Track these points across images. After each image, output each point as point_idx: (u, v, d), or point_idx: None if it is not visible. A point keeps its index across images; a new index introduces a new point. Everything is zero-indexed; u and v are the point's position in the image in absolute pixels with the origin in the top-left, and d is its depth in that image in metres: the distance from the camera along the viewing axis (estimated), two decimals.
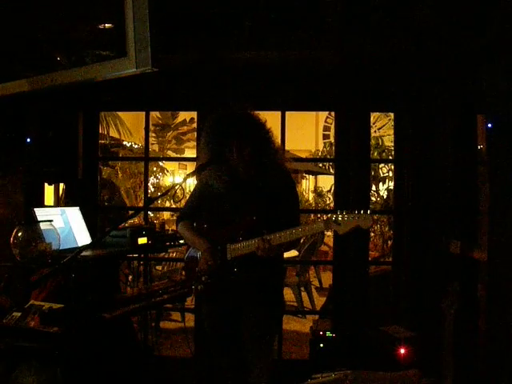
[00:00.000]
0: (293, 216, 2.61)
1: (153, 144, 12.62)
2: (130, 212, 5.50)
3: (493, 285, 2.97)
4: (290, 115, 4.01)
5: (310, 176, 12.47)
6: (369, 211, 2.17)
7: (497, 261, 2.91)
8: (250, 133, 2.53)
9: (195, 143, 4.29)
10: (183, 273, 2.88)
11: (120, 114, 9.12)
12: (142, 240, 3.28)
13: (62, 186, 4.21)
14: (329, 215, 2.23)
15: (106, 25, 3.01)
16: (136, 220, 5.56)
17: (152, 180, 10.31)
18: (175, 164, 12.17)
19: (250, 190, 2.54)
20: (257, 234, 2.41)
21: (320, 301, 6.36)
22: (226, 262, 2.50)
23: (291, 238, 2.39)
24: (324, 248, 8.56)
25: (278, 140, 2.79)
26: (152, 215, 8.42)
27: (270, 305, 2.58)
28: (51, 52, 3.00)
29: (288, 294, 6.20)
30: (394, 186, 4.23)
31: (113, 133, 9.12)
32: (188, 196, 2.79)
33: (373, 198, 7.78)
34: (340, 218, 2.18)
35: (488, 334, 3.01)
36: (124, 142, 9.57)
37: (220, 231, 2.56)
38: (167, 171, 11.14)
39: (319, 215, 9.96)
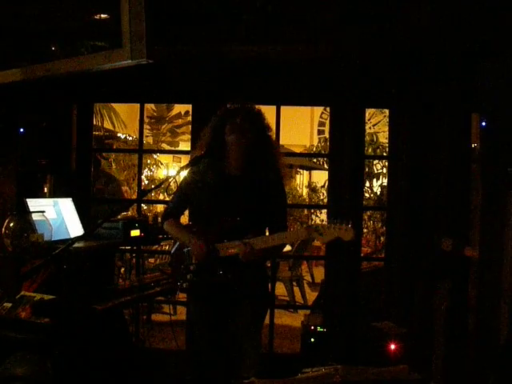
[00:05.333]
0: (280, 219, 2.62)
1: (147, 136, 12.57)
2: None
3: (483, 282, 2.99)
4: (284, 110, 4.00)
5: (304, 171, 12.46)
6: (350, 224, 2.16)
7: (488, 258, 2.93)
8: (255, 128, 2.53)
9: (190, 136, 4.28)
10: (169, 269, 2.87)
11: (114, 105, 9.09)
12: (135, 232, 3.28)
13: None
14: (312, 224, 2.23)
15: (102, 15, 2.98)
16: (129, 212, 5.54)
17: (146, 172, 10.27)
18: (169, 157, 12.12)
19: (239, 188, 2.53)
20: (240, 236, 2.40)
21: (312, 296, 6.38)
22: (213, 261, 2.47)
23: (273, 244, 2.40)
24: (317, 243, 8.57)
25: (273, 135, 2.78)
26: (145, 208, 8.40)
27: (256, 298, 2.59)
28: (46, 42, 2.97)
29: (280, 289, 6.21)
30: (388, 183, 4.25)
31: (107, 124, 9.08)
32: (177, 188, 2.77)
33: (366, 195, 7.80)
34: (322, 228, 2.18)
35: (478, 332, 3.03)
36: (118, 134, 9.53)
37: (205, 231, 2.53)
38: (161, 164, 11.10)
39: (312, 211, 9.98)
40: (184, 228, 2.65)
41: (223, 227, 2.48)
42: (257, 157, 2.53)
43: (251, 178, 2.53)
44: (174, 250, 2.69)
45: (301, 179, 12.84)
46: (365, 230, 7.84)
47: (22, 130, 3.68)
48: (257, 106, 2.67)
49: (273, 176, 2.56)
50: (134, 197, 8.04)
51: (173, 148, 12.70)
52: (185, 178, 2.69)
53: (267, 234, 2.59)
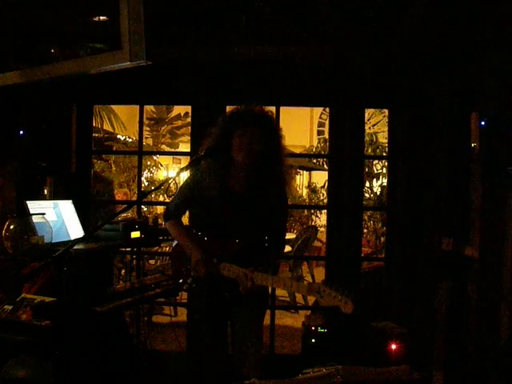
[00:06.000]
0: (279, 233, 2.63)
1: (147, 138, 12.58)
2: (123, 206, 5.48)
3: (484, 282, 2.99)
4: (284, 110, 4.00)
5: (304, 172, 12.47)
6: (351, 298, 2.12)
7: (488, 258, 2.93)
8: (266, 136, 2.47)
9: (189, 138, 4.28)
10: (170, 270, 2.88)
11: (114, 107, 9.10)
12: (135, 234, 3.27)
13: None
14: (315, 284, 2.21)
15: (101, 17, 2.98)
16: (129, 214, 5.54)
17: (146, 174, 10.28)
18: (169, 158, 12.13)
19: (244, 209, 2.50)
20: (242, 256, 2.42)
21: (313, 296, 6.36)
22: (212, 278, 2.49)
23: (274, 286, 2.42)
24: (317, 244, 8.58)
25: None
26: (145, 209, 8.40)
27: (254, 298, 2.58)
28: (45, 44, 2.98)
29: (281, 289, 6.21)
30: (388, 183, 4.24)
31: (107, 126, 9.09)
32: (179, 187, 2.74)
33: (366, 195, 7.81)
34: (323, 292, 2.16)
35: (478, 331, 3.03)
36: (118, 136, 9.54)
37: (207, 247, 2.52)
38: (161, 165, 11.11)
39: (312, 211, 9.97)
40: (187, 235, 2.61)
41: (226, 249, 2.48)
42: (264, 171, 2.48)
43: (256, 196, 2.49)
44: (175, 244, 2.70)
45: (301, 180, 12.84)
46: (365, 231, 7.85)
47: (21, 132, 3.68)
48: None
49: (278, 191, 2.52)
50: (134, 199, 8.04)
51: (172, 149, 12.72)
52: (187, 183, 2.65)
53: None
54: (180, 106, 11.30)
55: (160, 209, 8.88)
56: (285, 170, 2.54)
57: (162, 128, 13.48)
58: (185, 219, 2.84)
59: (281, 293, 6.32)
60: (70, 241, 3.11)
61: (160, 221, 3.72)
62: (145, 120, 6.12)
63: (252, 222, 2.50)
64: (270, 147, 2.47)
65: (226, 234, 2.49)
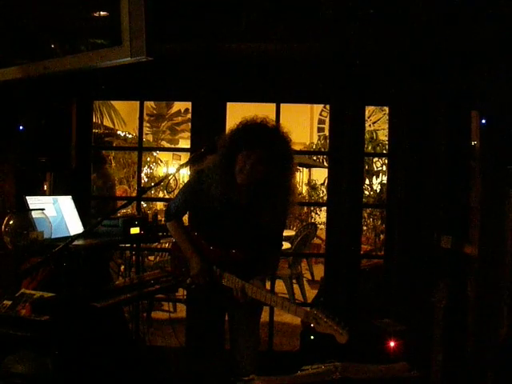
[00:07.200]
0: (276, 240, 2.63)
1: (147, 134, 12.59)
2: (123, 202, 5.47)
3: (483, 280, 3.00)
4: (284, 107, 4.00)
5: (304, 169, 12.45)
6: (347, 329, 2.11)
7: (487, 256, 2.93)
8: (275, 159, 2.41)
9: (189, 134, 4.27)
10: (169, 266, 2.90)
11: (114, 103, 9.08)
12: (135, 230, 3.28)
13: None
14: (312, 309, 2.21)
15: (102, 12, 2.97)
16: (129, 210, 5.54)
17: (146, 170, 10.28)
18: (169, 154, 12.14)
19: (246, 221, 2.50)
20: (241, 267, 2.44)
21: (312, 293, 6.38)
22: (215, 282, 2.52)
23: (271, 305, 2.43)
24: (317, 241, 8.59)
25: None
26: (145, 205, 8.40)
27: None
28: (45, 39, 2.97)
29: (280, 286, 6.21)
30: (388, 181, 4.24)
31: (107, 122, 9.07)
32: (181, 187, 2.74)
33: (366, 192, 7.81)
34: (320, 319, 2.16)
35: (477, 329, 3.03)
36: (118, 132, 9.53)
37: (207, 254, 2.53)
38: (161, 161, 11.11)
39: (312, 208, 9.97)
40: (187, 239, 2.61)
41: (227, 259, 2.49)
42: (267, 189, 2.45)
43: (258, 209, 2.47)
44: (175, 240, 2.71)
45: (300, 177, 12.84)
46: (364, 228, 7.85)
47: (21, 127, 3.67)
48: (255, 104, 2.62)
49: (280, 206, 2.49)
50: (134, 195, 8.03)
51: (172, 146, 12.72)
52: (190, 187, 2.61)
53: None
54: (180, 102, 11.30)
55: (160, 205, 8.88)
56: (290, 189, 2.50)
57: (162, 124, 13.48)
58: (184, 218, 2.84)
59: (280, 290, 6.33)
60: (70, 236, 3.11)
61: (160, 217, 3.72)
62: (145, 116, 6.10)
63: (253, 232, 2.50)
64: (275, 170, 2.41)
65: (227, 242, 2.50)
